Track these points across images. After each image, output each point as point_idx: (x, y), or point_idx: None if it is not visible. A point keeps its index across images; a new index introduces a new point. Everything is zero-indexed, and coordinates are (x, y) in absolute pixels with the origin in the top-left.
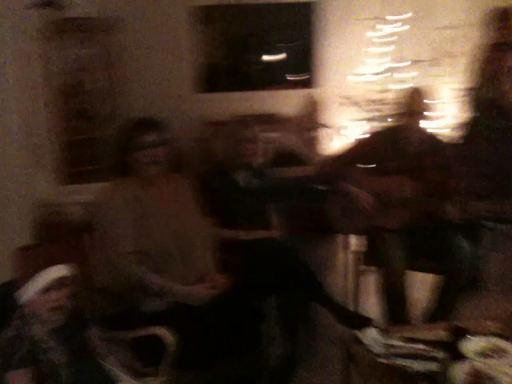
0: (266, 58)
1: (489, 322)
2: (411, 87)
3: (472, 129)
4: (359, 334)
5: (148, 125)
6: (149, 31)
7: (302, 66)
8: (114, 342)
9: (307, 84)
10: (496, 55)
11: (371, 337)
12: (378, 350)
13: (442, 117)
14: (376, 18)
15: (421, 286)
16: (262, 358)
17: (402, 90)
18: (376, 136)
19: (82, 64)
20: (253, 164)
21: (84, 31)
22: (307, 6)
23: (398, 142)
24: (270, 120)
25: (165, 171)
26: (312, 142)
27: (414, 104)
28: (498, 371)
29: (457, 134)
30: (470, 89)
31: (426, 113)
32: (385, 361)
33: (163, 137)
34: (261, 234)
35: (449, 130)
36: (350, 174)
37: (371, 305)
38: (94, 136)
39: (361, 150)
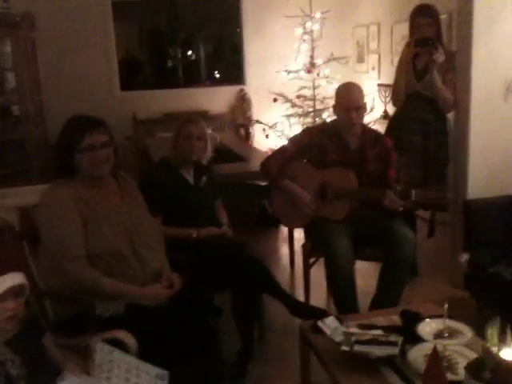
0: (194, 54)
1: (434, 305)
2: (347, 82)
3: (400, 122)
4: (319, 324)
5: (95, 124)
6: (69, 28)
7: (231, 63)
8: (71, 349)
9: (237, 81)
10: (421, 51)
11: (331, 326)
12: (338, 338)
13: (370, 111)
14: (304, 15)
15: (367, 274)
16: (220, 354)
17: (338, 86)
18: (318, 130)
19: (3, 61)
20: (202, 161)
21: (3, 27)
22: (235, 1)
23: (339, 136)
24: (203, 117)
25: (112, 170)
26: (246, 138)
27: (355, 100)
28: (453, 351)
29: (382, 126)
30: (397, 83)
31: (364, 107)
32: (347, 348)
33: (110, 136)
34: (213, 231)
35: (374, 122)
36: (293, 169)
37: (319, 295)
38: (19, 137)
39: (304, 145)
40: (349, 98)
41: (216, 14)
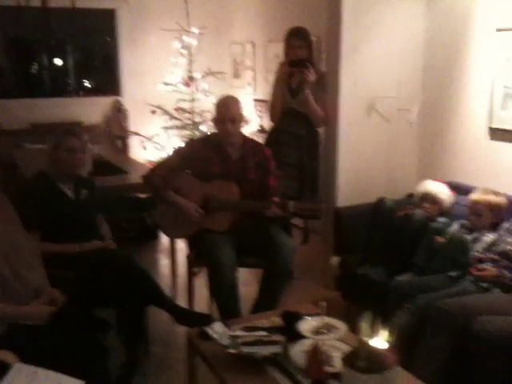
0: (66, 63)
1: (311, 305)
2: (225, 95)
3: (276, 136)
4: (206, 330)
5: None
6: None
7: (106, 73)
8: None
9: (113, 91)
10: (295, 70)
11: (219, 330)
12: (226, 341)
13: (246, 124)
14: (180, 29)
15: (248, 281)
16: (107, 371)
17: (218, 97)
18: (201, 142)
19: None
20: (81, 174)
21: None
22: (110, 12)
23: (221, 147)
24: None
25: None
26: (124, 150)
27: (231, 111)
28: (330, 346)
29: (259, 139)
30: (274, 100)
31: (242, 119)
32: (234, 350)
33: None
34: (94, 244)
35: (253, 137)
36: (177, 181)
37: (201, 303)
38: None
39: (188, 156)
40: (224, 110)
41: (90, 24)
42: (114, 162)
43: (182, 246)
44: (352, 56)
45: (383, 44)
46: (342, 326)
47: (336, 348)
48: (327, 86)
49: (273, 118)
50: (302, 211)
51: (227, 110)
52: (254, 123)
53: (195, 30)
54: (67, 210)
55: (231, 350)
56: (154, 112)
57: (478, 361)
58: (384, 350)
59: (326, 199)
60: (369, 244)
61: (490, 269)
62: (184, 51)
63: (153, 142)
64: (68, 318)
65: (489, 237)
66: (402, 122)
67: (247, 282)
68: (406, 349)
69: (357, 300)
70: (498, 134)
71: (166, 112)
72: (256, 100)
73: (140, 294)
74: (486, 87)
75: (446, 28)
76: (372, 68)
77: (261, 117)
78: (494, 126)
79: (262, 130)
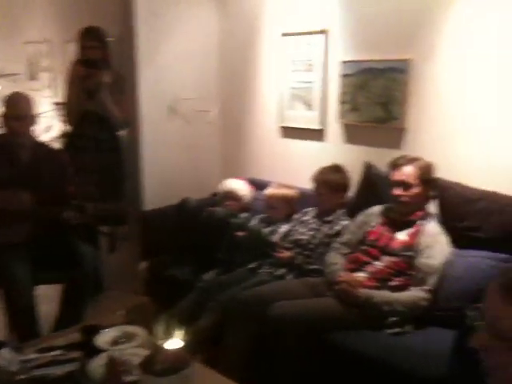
0: None
1: (114, 315)
2: (14, 92)
3: (74, 140)
4: None
5: None
6: None
7: None
8: None
9: None
10: (89, 71)
11: (5, 357)
12: (14, 368)
13: (45, 129)
14: None
15: (50, 298)
16: None
17: (6, 96)
18: None
19: None
20: None
21: None
22: None
23: (9, 148)
24: None
25: None
26: None
27: (19, 108)
28: (129, 354)
29: (60, 145)
30: (69, 102)
31: (32, 118)
32: (24, 376)
33: None
34: None
35: (51, 142)
36: None
37: None
38: None
39: None
40: (13, 106)
41: None
42: None
43: None
44: (150, 57)
45: (181, 46)
46: (141, 333)
47: (138, 355)
48: (126, 87)
49: (69, 120)
50: (103, 213)
51: (15, 107)
52: (56, 128)
53: None
54: None
55: (21, 376)
56: None
57: (275, 345)
58: (180, 349)
59: (132, 203)
60: (175, 245)
61: (287, 252)
62: None
63: None
64: None
65: (283, 228)
66: (202, 122)
67: (49, 298)
68: (213, 346)
69: (166, 303)
70: (287, 132)
71: None
72: (57, 103)
73: None
74: (275, 88)
75: (237, 32)
76: (171, 70)
77: (63, 121)
78: (284, 124)
79: (64, 135)
